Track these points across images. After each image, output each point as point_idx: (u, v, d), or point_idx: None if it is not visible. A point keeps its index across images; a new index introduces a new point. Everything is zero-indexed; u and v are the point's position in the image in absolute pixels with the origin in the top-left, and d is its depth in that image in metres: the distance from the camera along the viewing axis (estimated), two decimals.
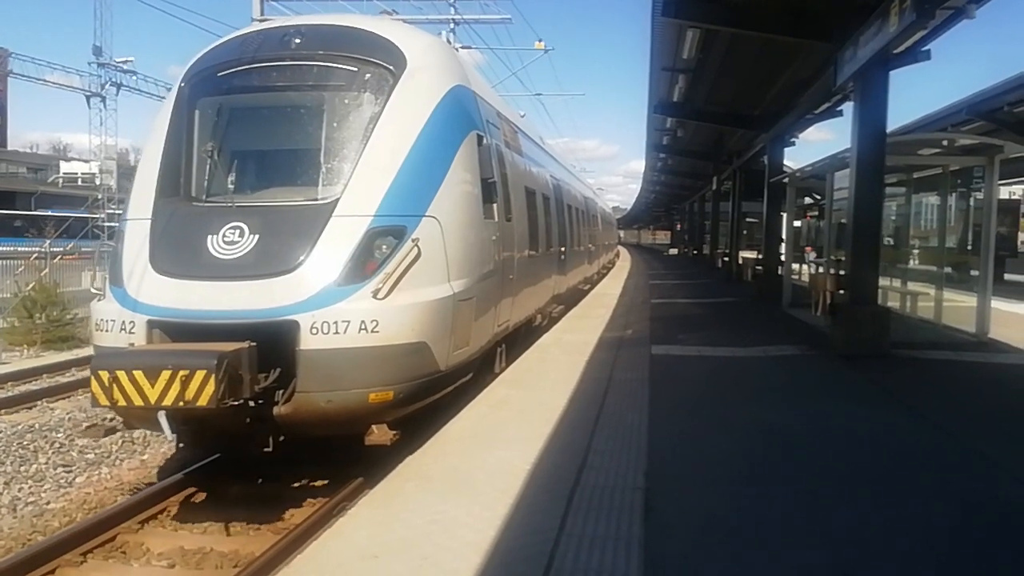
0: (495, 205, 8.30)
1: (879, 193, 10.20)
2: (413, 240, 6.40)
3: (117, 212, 39.52)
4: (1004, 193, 27.39)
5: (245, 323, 5.93)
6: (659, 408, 6.65)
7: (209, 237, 6.23)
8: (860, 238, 9.96)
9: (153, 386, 5.38)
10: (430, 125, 6.98)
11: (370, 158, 6.63)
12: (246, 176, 7.05)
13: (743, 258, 25.51)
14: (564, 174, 18.00)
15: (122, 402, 5.47)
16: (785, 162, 18.06)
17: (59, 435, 8.95)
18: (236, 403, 5.57)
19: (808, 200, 21.63)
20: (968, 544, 3.97)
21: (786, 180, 16.73)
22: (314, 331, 5.90)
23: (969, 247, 12.29)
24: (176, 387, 5.34)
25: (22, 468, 7.88)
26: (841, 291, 10.77)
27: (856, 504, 4.47)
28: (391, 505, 4.35)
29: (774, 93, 16.61)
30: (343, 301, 6.02)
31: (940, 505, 4.49)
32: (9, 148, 70.00)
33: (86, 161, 55.01)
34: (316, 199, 6.52)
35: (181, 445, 6.26)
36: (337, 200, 6.41)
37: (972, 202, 12.32)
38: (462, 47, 25.73)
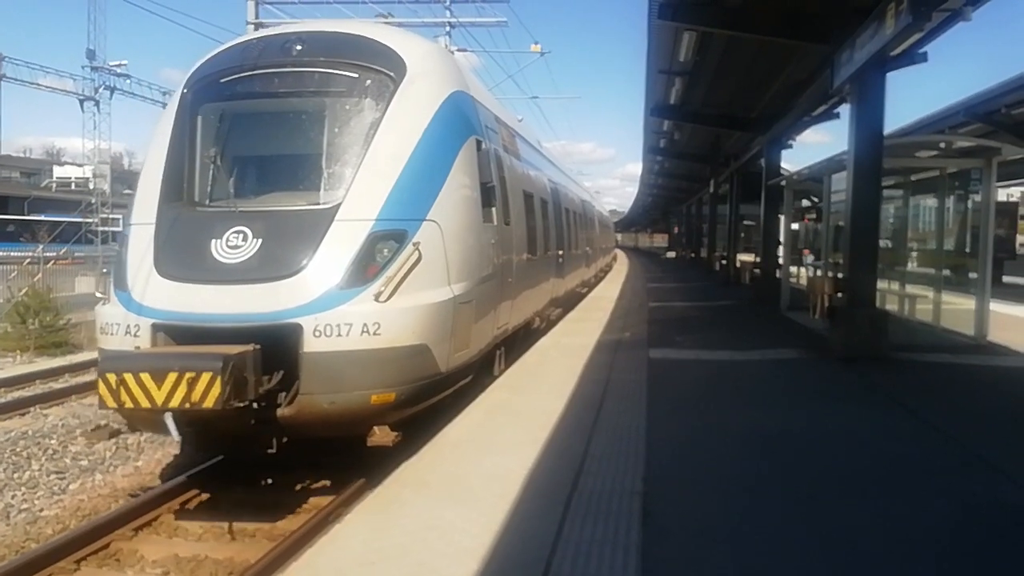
0: (494, 209, 8.38)
1: (876, 196, 10.19)
2: (414, 244, 6.48)
3: (111, 216, 39.54)
4: (1002, 195, 27.45)
5: (249, 326, 6.00)
6: (657, 412, 6.62)
7: (213, 241, 6.31)
8: (858, 241, 9.94)
9: (160, 388, 5.44)
10: (430, 130, 7.08)
11: (371, 163, 6.72)
12: (249, 181, 7.16)
13: (741, 261, 25.50)
14: (561, 178, 18.06)
15: (129, 404, 5.51)
16: (782, 165, 18.05)
17: (52, 441, 8.88)
18: (241, 405, 5.62)
19: (806, 203, 21.62)
20: (968, 547, 3.94)
21: (783, 183, 16.73)
22: (317, 334, 5.98)
23: (967, 249, 12.27)
24: (182, 389, 5.40)
25: (15, 475, 7.81)
26: (839, 294, 10.74)
27: (855, 508, 4.43)
28: (388, 511, 4.31)
29: (771, 96, 16.61)
30: (346, 304, 6.10)
31: (940, 508, 4.46)
32: (2, 152, 69.86)
33: (79, 165, 54.99)
34: (318, 204, 6.61)
35: (185, 447, 6.33)
36: (339, 205, 6.50)
37: (970, 204, 12.31)
38: (458, 50, 25.73)
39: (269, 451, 6.20)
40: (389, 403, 6.27)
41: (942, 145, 11.98)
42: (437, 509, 4.30)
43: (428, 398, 6.74)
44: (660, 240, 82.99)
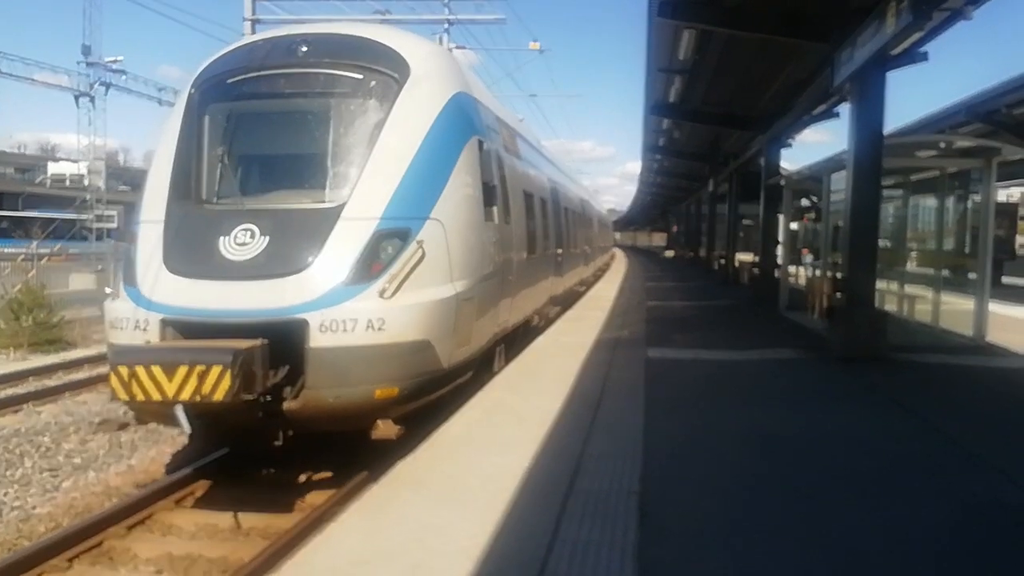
0: (495, 208, 8.54)
1: (876, 195, 10.15)
2: (418, 242, 6.61)
3: (106, 213, 39.44)
4: (1002, 196, 27.45)
5: (256, 321, 6.12)
6: (655, 412, 6.58)
7: (221, 239, 6.44)
8: (857, 241, 9.91)
9: (171, 381, 5.55)
10: (433, 131, 7.23)
11: (376, 163, 6.86)
12: (256, 180, 7.29)
13: (740, 261, 25.47)
14: (560, 177, 18.10)
15: (141, 396, 5.62)
16: (782, 164, 18.03)
17: (45, 439, 8.83)
18: (250, 398, 5.73)
19: (805, 202, 21.59)
20: (967, 547, 3.91)
21: (783, 182, 16.69)
22: (323, 329, 6.11)
23: (966, 250, 12.24)
24: (193, 382, 5.52)
25: (8, 472, 7.76)
26: (838, 294, 10.71)
27: (854, 508, 4.40)
28: (383, 511, 4.27)
29: (771, 94, 16.57)
30: (351, 300, 6.23)
31: (939, 508, 4.43)
32: None
33: (74, 161, 54.88)
34: (324, 202, 6.74)
35: (194, 440, 6.49)
36: (344, 203, 6.64)
37: (970, 205, 12.28)
38: (456, 47, 25.68)
39: (276, 443, 6.38)
40: (393, 398, 6.39)
41: (942, 145, 11.93)
42: (433, 508, 4.26)
43: (431, 393, 6.87)
44: (659, 239, 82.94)
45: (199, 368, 5.50)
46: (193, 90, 7.62)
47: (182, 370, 5.52)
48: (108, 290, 7.59)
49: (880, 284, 11.32)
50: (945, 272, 12.43)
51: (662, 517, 4.18)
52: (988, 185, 11.00)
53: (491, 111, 9.69)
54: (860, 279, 9.90)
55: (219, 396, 5.50)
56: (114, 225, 43.22)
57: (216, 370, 5.48)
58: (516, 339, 10.43)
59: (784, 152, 18.17)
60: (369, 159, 6.86)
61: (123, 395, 5.67)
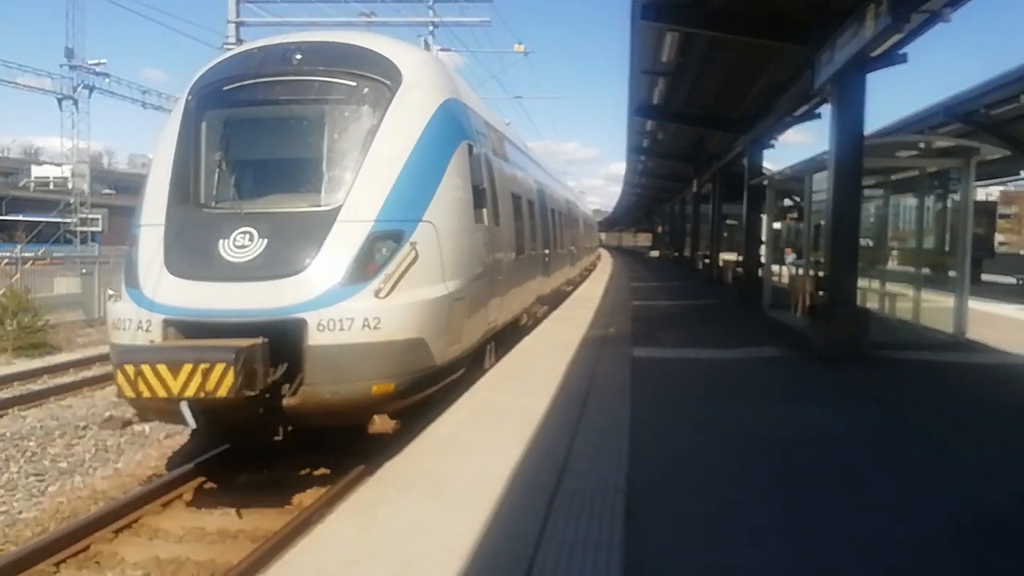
0: (485, 210, 8.76)
1: (857, 195, 10.28)
2: (411, 243, 6.83)
3: (90, 216, 39.09)
4: (981, 195, 27.77)
5: (255, 321, 6.29)
6: (640, 410, 6.64)
7: (221, 241, 6.63)
8: (839, 240, 10.02)
9: (175, 378, 5.74)
10: (425, 136, 7.43)
11: (370, 167, 7.05)
12: (253, 184, 7.45)
13: (724, 260, 25.61)
14: (547, 178, 18.24)
15: (147, 393, 5.80)
16: (764, 164, 18.18)
17: (31, 443, 8.78)
18: (252, 395, 5.91)
19: (787, 202, 21.77)
20: (948, 543, 3.98)
21: (765, 182, 16.84)
22: (321, 328, 6.31)
23: (946, 248, 12.41)
24: (197, 379, 5.71)
25: None
26: (820, 292, 10.83)
27: (839, 506, 4.47)
28: (371, 510, 4.29)
29: (753, 96, 16.71)
30: (347, 300, 6.44)
31: (920, 505, 4.50)
32: None
33: (58, 165, 54.34)
34: (320, 206, 6.93)
35: (195, 436, 6.63)
36: (340, 207, 6.83)
37: (949, 204, 12.45)
38: (441, 49, 25.66)
39: (276, 438, 6.57)
40: (388, 393, 6.60)
41: (922, 145, 12.08)
42: (421, 508, 4.29)
43: (424, 389, 7.09)
44: (644, 239, 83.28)
45: (203, 366, 5.68)
46: (190, 97, 7.76)
47: (187, 368, 5.71)
48: (110, 292, 7.72)
49: (862, 282, 11.46)
50: (926, 270, 12.60)
51: (648, 515, 4.23)
52: (967, 184, 11.16)
53: (480, 116, 9.86)
54: (842, 278, 10.02)
55: (223, 392, 5.68)
56: (99, 228, 42.87)
57: (220, 367, 5.66)
58: (506, 337, 10.58)
59: (767, 153, 18.38)
60: (363, 164, 7.04)
61: (129, 392, 5.81)
